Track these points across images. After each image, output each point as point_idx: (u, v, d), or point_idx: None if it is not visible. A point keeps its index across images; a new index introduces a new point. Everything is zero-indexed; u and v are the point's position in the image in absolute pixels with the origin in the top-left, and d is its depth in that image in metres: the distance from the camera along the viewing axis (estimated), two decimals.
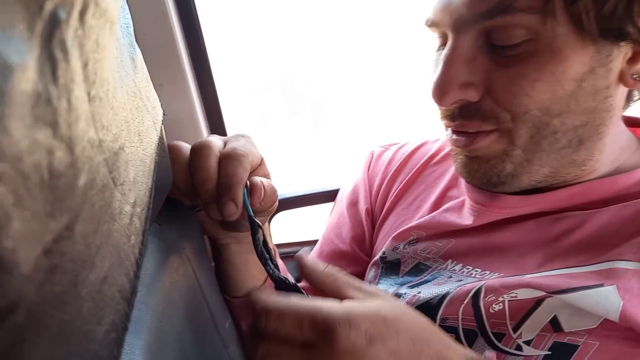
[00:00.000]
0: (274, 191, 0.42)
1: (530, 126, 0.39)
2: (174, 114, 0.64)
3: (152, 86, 0.33)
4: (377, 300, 0.33)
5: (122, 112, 0.22)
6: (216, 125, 0.70)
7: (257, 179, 0.40)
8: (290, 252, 0.78)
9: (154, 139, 0.31)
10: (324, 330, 0.28)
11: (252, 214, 0.38)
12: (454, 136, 0.43)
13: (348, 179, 0.68)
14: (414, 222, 0.52)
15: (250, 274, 0.49)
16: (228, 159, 0.38)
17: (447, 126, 0.45)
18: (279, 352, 0.29)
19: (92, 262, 0.18)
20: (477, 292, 0.41)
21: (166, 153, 0.36)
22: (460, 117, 0.41)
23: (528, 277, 0.39)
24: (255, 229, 0.37)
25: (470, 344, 0.41)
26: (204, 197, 0.38)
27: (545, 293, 0.38)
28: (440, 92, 0.40)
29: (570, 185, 0.43)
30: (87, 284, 0.17)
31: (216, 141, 0.41)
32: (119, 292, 0.20)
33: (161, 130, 0.33)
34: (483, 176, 0.43)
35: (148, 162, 0.28)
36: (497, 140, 0.41)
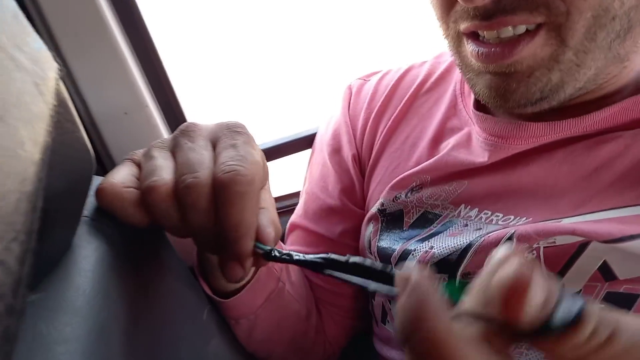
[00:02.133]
0: (278, 224, 0.30)
1: (588, 16, 0.31)
2: (111, 103, 0.51)
3: (35, 38, 0.23)
4: None
5: None
6: (173, 109, 0.57)
7: (266, 225, 0.28)
8: None
9: (42, 109, 0.21)
10: None
11: (269, 250, 0.28)
12: (481, 49, 0.34)
13: (324, 120, 0.58)
14: (414, 167, 0.44)
15: None
16: (227, 194, 0.26)
17: (474, 30, 0.35)
18: None
19: None
20: (507, 242, 0.34)
21: (77, 127, 0.26)
22: (499, 12, 0.32)
23: (568, 222, 0.32)
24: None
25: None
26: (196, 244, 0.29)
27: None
28: None
29: (605, 97, 0.35)
30: None
31: (198, 152, 0.28)
32: None
33: (58, 94, 0.23)
34: (522, 97, 0.35)
35: (29, 143, 0.18)
36: (544, 42, 0.33)
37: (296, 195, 0.68)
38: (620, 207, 0.32)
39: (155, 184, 0.27)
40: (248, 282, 0.40)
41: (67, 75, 0.49)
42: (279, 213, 0.71)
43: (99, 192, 0.28)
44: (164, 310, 0.32)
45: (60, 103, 0.23)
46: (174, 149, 0.29)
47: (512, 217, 0.37)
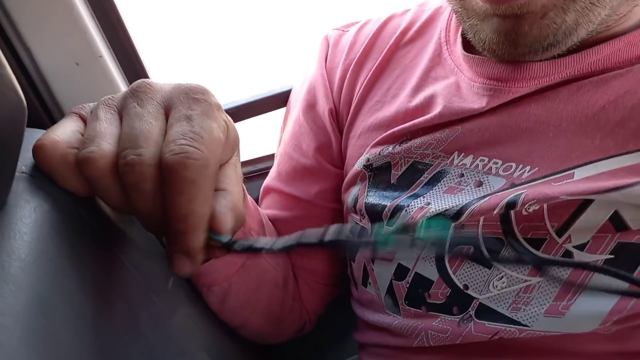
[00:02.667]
0: (241, 208, 0.27)
1: None
2: (60, 53, 0.45)
3: None
4: None
5: None
6: (131, 60, 0.51)
7: (223, 213, 0.24)
8: (245, 172, 0.66)
9: None
10: None
11: (226, 242, 0.25)
12: None
13: (299, 75, 0.54)
14: (394, 115, 0.41)
15: None
16: (174, 180, 0.22)
17: None
18: None
19: None
20: (511, 205, 0.33)
21: (1, 62, 0.22)
22: None
23: (582, 182, 0.31)
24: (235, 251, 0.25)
25: (495, 256, 0.33)
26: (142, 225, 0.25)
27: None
28: None
29: (611, 37, 0.33)
30: None
31: (147, 121, 0.24)
32: None
33: None
34: (534, 40, 0.32)
35: None
36: None
37: (271, 157, 0.65)
38: (635, 151, 0.30)
39: (91, 155, 0.23)
40: None
41: (8, 22, 0.44)
42: (252, 177, 0.68)
43: (37, 149, 0.24)
44: (120, 281, 0.29)
45: None
46: (122, 111, 0.25)
47: (514, 164, 0.35)
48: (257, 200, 0.52)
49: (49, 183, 0.26)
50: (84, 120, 0.27)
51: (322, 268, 0.51)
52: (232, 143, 0.27)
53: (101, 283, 0.26)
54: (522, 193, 0.33)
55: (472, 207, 0.35)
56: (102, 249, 0.28)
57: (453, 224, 0.35)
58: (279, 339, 0.52)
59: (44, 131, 0.26)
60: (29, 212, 0.23)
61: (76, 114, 0.27)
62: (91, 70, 0.46)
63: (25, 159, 0.26)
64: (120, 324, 0.27)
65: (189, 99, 0.25)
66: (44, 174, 0.26)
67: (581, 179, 0.32)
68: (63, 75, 0.46)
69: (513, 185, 0.34)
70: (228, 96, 0.62)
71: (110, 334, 0.25)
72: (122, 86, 0.49)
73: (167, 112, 0.25)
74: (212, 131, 0.24)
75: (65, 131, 0.25)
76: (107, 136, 0.24)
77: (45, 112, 0.47)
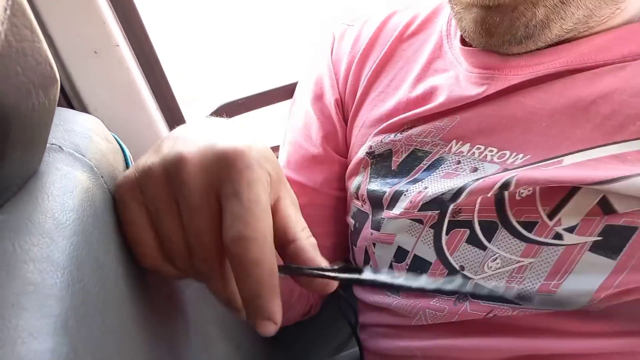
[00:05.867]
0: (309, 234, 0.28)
1: None
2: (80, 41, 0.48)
3: None
4: None
5: None
6: (144, 50, 0.53)
7: (310, 258, 0.27)
8: None
9: None
10: None
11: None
12: None
13: (306, 69, 0.56)
14: (396, 105, 0.43)
15: None
16: (240, 265, 0.24)
17: None
18: None
19: None
20: (505, 186, 0.34)
21: (38, 37, 0.24)
22: None
23: (570, 168, 0.32)
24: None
25: (490, 239, 0.34)
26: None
27: None
28: None
29: (595, 33, 0.35)
30: None
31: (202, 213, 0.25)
32: None
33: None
34: (506, 31, 0.34)
35: None
36: None
37: (275, 149, 0.67)
38: (622, 142, 0.32)
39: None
40: None
41: (33, 11, 0.46)
42: None
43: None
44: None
45: (13, 4, 0.21)
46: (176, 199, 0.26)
47: (508, 152, 0.37)
48: None
49: (76, 155, 0.28)
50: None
51: (327, 254, 0.53)
52: (278, 183, 0.27)
53: (121, 246, 0.28)
54: (514, 176, 0.34)
55: (469, 188, 0.36)
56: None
57: (451, 206, 0.37)
58: (286, 322, 0.53)
59: (70, 110, 0.28)
60: (59, 178, 0.26)
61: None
62: (108, 59, 0.48)
63: (54, 132, 0.29)
64: (137, 282, 0.29)
65: (230, 170, 0.25)
66: (70, 146, 0.28)
67: (569, 165, 0.33)
68: (82, 62, 0.48)
69: (506, 170, 0.36)
70: (237, 86, 0.64)
71: (130, 292, 0.27)
72: (137, 75, 0.51)
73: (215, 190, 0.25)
74: (259, 200, 0.24)
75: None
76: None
77: (65, 98, 0.49)
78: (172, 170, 0.25)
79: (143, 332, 0.27)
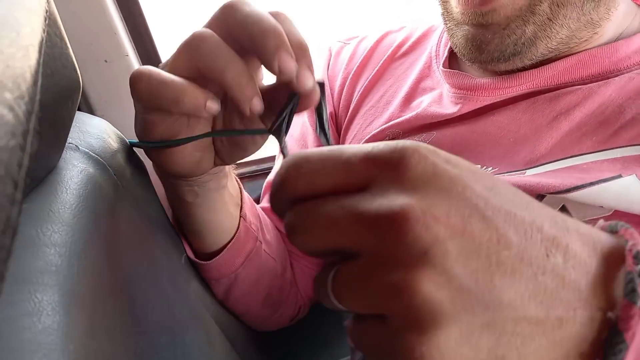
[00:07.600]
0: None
1: None
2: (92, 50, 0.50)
3: None
4: None
5: None
6: (152, 59, 0.56)
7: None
8: (247, 172, 0.71)
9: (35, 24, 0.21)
10: (387, 163, 0.19)
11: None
12: None
13: None
14: (387, 122, 0.46)
15: (228, 212, 0.40)
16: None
17: None
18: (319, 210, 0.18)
19: None
20: None
21: (65, 44, 0.26)
22: None
23: (531, 176, 0.35)
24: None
25: None
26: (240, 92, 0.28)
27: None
28: None
29: (567, 56, 0.38)
30: None
31: None
32: None
33: (48, 5, 0.23)
34: (496, 48, 0.37)
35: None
36: None
37: (272, 159, 0.70)
38: (578, 155, 0.34)
39: None
40: (227, 243, 0.41)
41: None
42: (255, 176, 0.72)
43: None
44: (144, 241, 0.33)
45: (50, 15, 0.24)
46: None
47: (479, 166, 0.39)
48: (259, 198, 0.56)
49: (90, 154, 0.30)
50: None
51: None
52: None
53: (130, 237, 0.30)
54: None
55: None
56: (132, 213, 0.32)
57: None
58: (277, 325, 0.54)
59: (84, 113, 0.31)
60: (76, 173, 0.28)
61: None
62: (118, 68, 0.51)
63: (71, 133, 0.31)
64: (146, 269, 0.31)
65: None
66: (89, 147, 0.30)
67: (532, 175, 0.36)
68: (92, 70, 0.50)
69: None
70: None
71: (135, 278, 0.29)
72: None
73: None
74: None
75: None
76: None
77: None
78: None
79: (147, 318, 0.29)
